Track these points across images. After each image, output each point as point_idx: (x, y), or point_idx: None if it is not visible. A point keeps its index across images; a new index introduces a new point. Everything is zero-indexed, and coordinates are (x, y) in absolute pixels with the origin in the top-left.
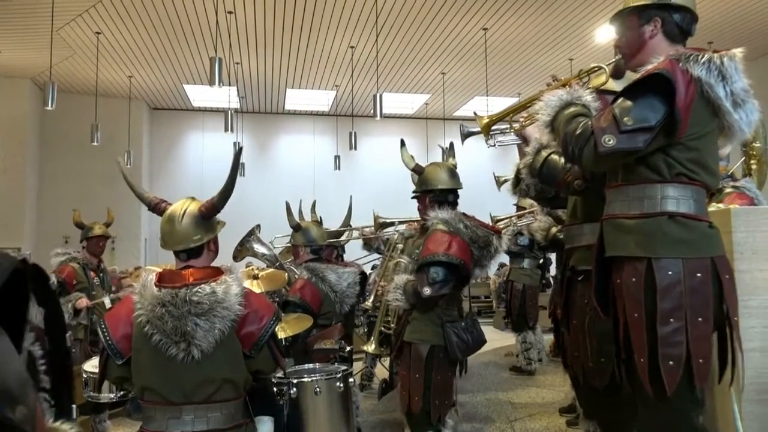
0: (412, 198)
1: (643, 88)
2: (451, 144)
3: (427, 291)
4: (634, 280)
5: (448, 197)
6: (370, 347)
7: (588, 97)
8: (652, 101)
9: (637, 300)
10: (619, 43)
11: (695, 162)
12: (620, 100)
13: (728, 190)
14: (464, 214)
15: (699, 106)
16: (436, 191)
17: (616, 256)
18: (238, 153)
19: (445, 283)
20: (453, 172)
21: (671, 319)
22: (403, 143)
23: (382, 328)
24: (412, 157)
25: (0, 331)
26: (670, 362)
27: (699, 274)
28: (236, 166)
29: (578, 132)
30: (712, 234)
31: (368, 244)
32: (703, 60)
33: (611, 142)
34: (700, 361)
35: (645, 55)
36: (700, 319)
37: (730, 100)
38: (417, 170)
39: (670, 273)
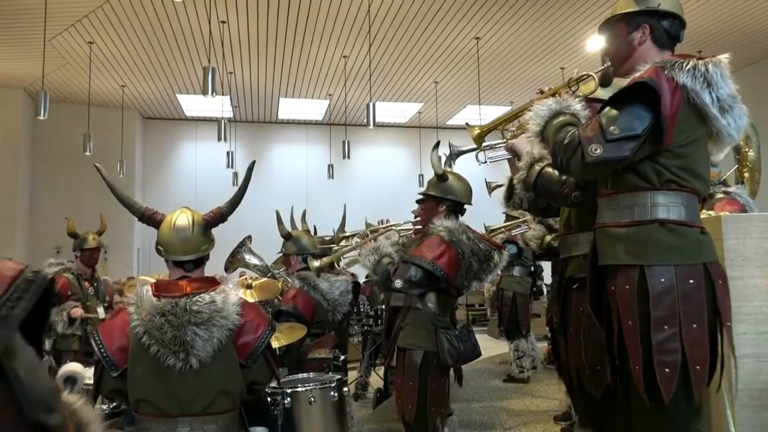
0: (419, 200)
1: (628, 97)
2: (451, 154)
3: (398, 283)
4: (627, 287)
5: (459, 210)
6: None
7: (577, 106)
8: (638, 110)
9: (631, 307)
10: (608, 51)
11: (684, 169)
12: (606, 109)
13: (719, 195)
14: (467, 226)
15: (686, 113)
16: (456, 202)
17: (610, 265)
18: (251, 166)
19: (418, 286)
20: (470, 189)
21: (665, 326)
22: (436, 145)
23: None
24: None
25: (26, 344)
26: (666, 369)
27: (691, 281)
28: (248, 178)
29: (566, 142)
30: (704, 240)
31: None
32: (688, 67)
33: (598, 151)
34: (697, 367)
35: (634, 62)
36: (694, 325)
37: (716, 106)
38: (444, 177)
39: (662, 280)
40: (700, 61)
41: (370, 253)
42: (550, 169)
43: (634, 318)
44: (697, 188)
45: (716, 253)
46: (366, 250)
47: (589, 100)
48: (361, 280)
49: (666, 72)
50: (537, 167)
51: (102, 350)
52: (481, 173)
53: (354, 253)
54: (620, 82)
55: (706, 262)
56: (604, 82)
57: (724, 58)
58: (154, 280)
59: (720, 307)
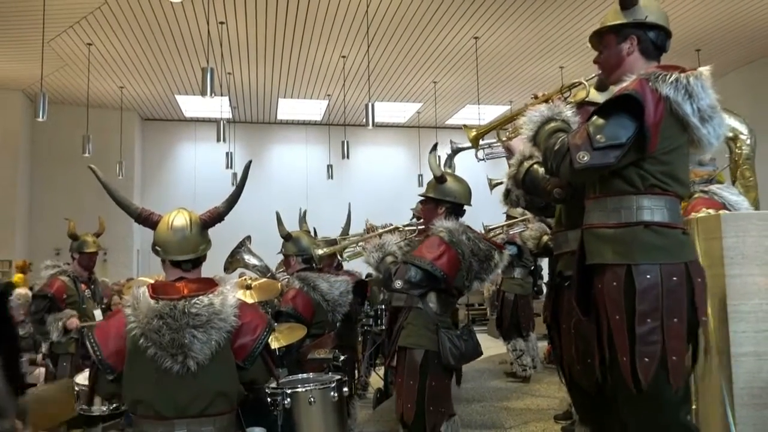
0: (421, 201)
1: (614, 107)
2: (451, 150)
3: (398, 284)
4: (614, 284)
5: (459, 211)
6: None
7: (568, 113)
8: (623, 119)
9: (618, 303)
10: (598, 60)
11: (667, 174)
12: (594, 118)
13: (696, 195)
14: (468, 226)
15: (668, 123)
16: (455, 203)
17: (597, 263)
18: (247, 165)
19: (418, 287)
20: (470, 190)
21: (648, 320)
22: (434, 148)
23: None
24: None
25: None
26: (646, 359)
27: (675, 278)
28: (245, 177)
29: (556, 148)
30: (686, 240)
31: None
32: (671, 79)
33: (585, 158)
34: (674, 358)
35: (623, 71)
36: (675, 319)
37: (697, 116)
38: (442, 179)
39: (648, 277)
40: (683, 74)
41: (375, 250)
42: (536, 167)
43: (621, 313)
44: (678, 192)
45: (697, 252)
46: (371, 246)
47: (586, 104)
48: None
49: (650, 84)
50: (526, 164)
51: (98, 354)
52: (482, 172)
53: (358, 246)
54: (616, 88)
55: (687, 261)
56: (602, 87)
57: (705, 70)
58: (152, 281)
59: (697, 304)
